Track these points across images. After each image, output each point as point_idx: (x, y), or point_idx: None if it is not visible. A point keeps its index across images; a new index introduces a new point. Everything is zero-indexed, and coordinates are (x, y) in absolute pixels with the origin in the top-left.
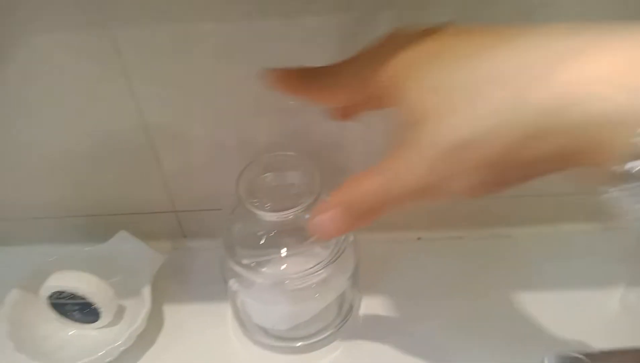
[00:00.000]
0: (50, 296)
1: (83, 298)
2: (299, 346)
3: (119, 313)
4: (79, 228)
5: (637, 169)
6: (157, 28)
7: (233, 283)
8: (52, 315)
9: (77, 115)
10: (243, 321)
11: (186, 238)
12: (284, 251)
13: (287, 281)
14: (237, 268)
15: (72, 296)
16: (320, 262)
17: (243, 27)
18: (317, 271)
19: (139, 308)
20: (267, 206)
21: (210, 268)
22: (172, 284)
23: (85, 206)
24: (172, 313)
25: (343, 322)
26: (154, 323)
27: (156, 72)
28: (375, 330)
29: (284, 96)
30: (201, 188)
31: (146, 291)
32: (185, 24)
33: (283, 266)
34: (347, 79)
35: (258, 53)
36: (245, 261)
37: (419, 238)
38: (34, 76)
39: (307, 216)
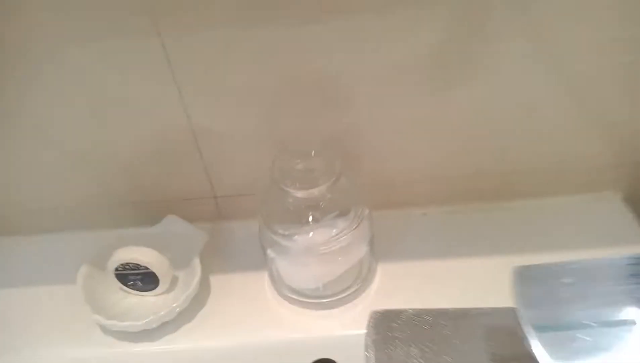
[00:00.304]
0: (117, 268)
1: (145, 269)
2: (325, 302)
3: (173, 282)
4: (132, 214)
5: None
6: (203, 38)
7: (270, 252)
8: (117, 285)
9: (132, 118)
10: (277, 284)
11: (223, 219)
12: (311, 223)
13: (315, 247)
14: (275, 238)
15: (136, 267)
16: (343, 231)
17: (275, 33)
18: (339, 238)
19: (191, 277)
20: (296, 185)
21: (246, 244)
22: (215, 258)
23: (137, 195)
24: (217, 281)
25: (363, 282)
26: (203, 290)
27: (201, 77)
28: (390, 289)
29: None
30: (237, 176)
31: (196, 263)
32: (227, 31)
33: (311, 235)
34: None
35: (289, 58)
36: (280, 232)
37: (424, 214)
38: (95, 84)
39: (329, 195)
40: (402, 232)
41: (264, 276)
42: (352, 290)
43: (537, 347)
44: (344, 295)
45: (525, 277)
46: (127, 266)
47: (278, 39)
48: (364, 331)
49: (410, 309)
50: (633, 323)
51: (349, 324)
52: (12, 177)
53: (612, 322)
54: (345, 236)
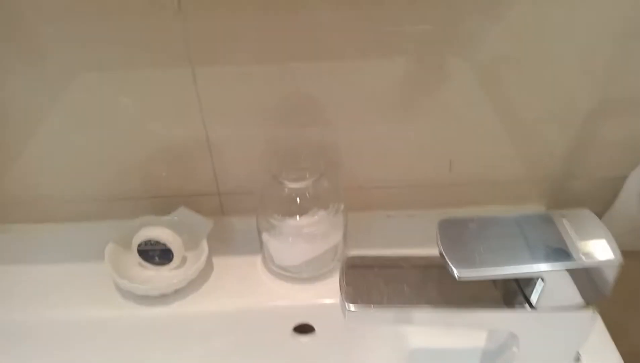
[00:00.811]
0: (139, 244)
1: (163, 245)
2: (306, 278)
3: (183, 260)
4: (150, 206)
5: None
6: (224, 68)
7: (265, 235)
8: (137, 260)
9: (158, 130)
10: (268, 263)
11: (225, 214)
12: (299, 210)
13: (301, 228)
14: (270, 221)
15: (156, 243)
16: (323, 218)
17: (279, 67)
18: (319, 223)
19: (199, 255)
20: (289, 178)
21: (244, 234)
22: (217, 244)
23: (155, 190)
24: (219, 261)
25: (337, 263)
26: (208, 267)
27: (219, 99)
28: None
29: (302, 115)
30: (239, 177)
31: (204, 244)
32: (243, 63)
33: (298, 219)
34: None
35: (288, 86)
36: (275, 216)
37: (388, 216)
38: (131, 102)
39: (313, 190)
40: (370, 229)
41: (258, 258)
42: (328, 269)
43: (449, 262)
44: (321, 272)
45: (445, 224)
46: (148, 243)
47: (280, 72)
48: (337, 301)
49: (375, 255)
50: (513, 249)
51: (324, 295)
52: (49, 173)
53: (499, 250)
54: (324, 222)
